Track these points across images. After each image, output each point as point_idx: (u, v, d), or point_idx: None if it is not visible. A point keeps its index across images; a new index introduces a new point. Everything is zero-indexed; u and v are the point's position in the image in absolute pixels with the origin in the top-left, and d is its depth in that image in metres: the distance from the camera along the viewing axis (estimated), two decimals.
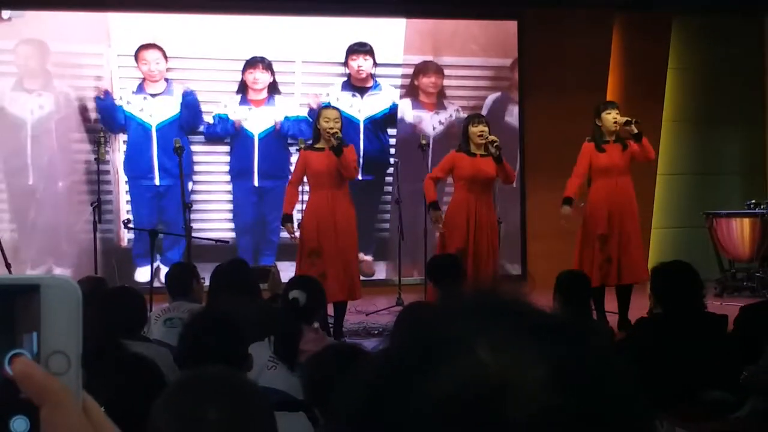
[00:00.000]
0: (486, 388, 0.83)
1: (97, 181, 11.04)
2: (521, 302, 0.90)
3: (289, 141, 11.84)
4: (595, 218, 9.05)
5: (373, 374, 0.88)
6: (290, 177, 9.25)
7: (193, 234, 9.89)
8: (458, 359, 0.84)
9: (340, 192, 8.80)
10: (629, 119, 9.03)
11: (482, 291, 0.92)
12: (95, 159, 10.97)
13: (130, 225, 10.61)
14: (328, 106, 9.31)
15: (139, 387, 3.06)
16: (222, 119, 11.80)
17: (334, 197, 8.75)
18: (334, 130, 8.65)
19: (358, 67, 12.03)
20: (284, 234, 11.75)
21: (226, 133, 11.79)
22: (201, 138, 11.73)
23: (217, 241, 10.92)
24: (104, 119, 11.45)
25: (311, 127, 11.46)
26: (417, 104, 12.26)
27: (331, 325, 8.74)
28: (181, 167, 9.90)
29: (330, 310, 8.86)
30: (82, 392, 0.86)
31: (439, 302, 0.93)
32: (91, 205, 10.31)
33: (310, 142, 9.12)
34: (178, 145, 10.00)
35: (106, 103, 11.50)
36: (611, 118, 9.05)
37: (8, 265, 9.20)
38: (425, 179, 9.21)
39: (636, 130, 9.02)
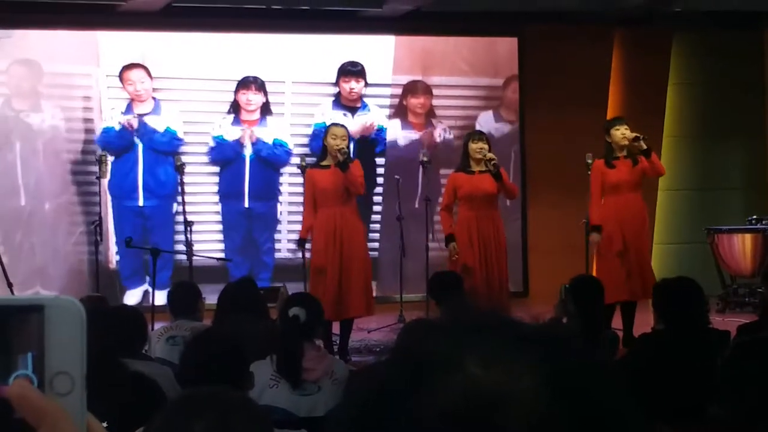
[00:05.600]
0: (479, 402, 0.83)
1: (99, 199, 11.04)
2: (504, 315, 0.91)
3: (263, 156, 11.81)
4: (609, 235, 9.08)
5: (366, 394, 0.88)
6: (304, 200, 9.19)
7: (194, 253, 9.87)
8: (449, 376, 0.85)
9: (347, 208, 8.85)
10: (638, 135, 9.06)
11: (466, 307, 0.92)
12: (96, 177, 10.94)
13: (132, 244, 10.50)
14: (336, 124, 9.32)
15: (140, 405, 3.05)
16: (222, 142, 11.71)
17: (342, 214, 8.79)
18: (341, 147, 8.70)
19: (351, 89, 12.03)
20: (279, 255, 11.76)
21: (229, 156, 11.69)
22: (187, 159, 11.59)
23: (219, 259, 10.91)
24: (110, 146, 11.37)
25: (288, 154, 11.49)
26: (406, 125, 12.26)
27: (335, 344, 8.73)
28: (182, 185, 9.89)
29: (336, 328, 8.86)
30: (86, 413, 0.86)
31: (430, 320, 0.94)
32: (93, 223, 10.29)
33: (314, 160, 9.17)
34: (179, 163, 9.98)
35: (117, 133, 11.42)
36: (620, 133, 9.11)
37: (10, 284, 9.16)
38: (440, 211, 9.32)
39: (645, 146, 9.06)
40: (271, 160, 11.74)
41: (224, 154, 11.73)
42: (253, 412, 2.27)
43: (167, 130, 11.55)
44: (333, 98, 12.06)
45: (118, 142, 11.44)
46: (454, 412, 0.83)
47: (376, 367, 0.91)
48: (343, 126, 9.18)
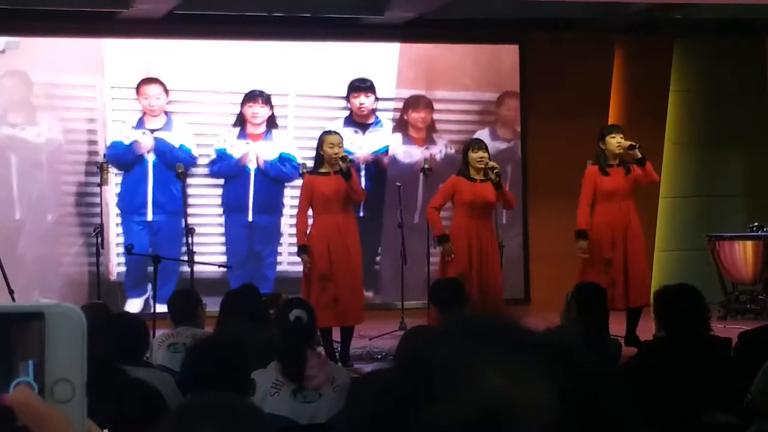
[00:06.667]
0: (497, 412, 0.83)
1: (100, 209, 11.02)
2: (517, 323, 0.91)
3: (271, 176, 11.78)
4: (599, 242, 9.08)
5: (378, 403, 0.88)
6: (299, 205, 9.15)
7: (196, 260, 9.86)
8: (464, 385, 0.85)
9: (348, 216, 8.88)
10: (633, 144, 9.06)
11: (478, 315, 0.92)
12: (98, 185, 10.94)
13: (132, 251, 10.49)
14: (330, 132, 9.30)
15: (140, 412, 3.06)
16: (223, 156, 11.67)
17: (345, 221, 8.81)
18: (342, 155, 8.71)
19: (360, 104, 12.01)
20: (279, 267, 11.73)
21: (231, 171, 11.67)
22: (194, 171, 11.55)
23: (220, 265, 10.91)
24: (118, 160, 11.35)
25: (295, 168, 11.46)
26: (407, 139, 12.24)
27: (337, 351, 8.73)
28: (184, 193, 9.89)
29: (336, 335, 8.87)
30: (87, 420, 0.86)
31: (439, 328, 0.94)
32: (94, 231, 10.28)
33: (312, 167, 9.18)
34: (180, 171, 9.97)
35: (126, 148, 11.41)
36: (615, 142, 9.10)
37: (11, 291, 9.15)
38: (428, 209, 9.30)
39: (640, 155, 9.06)
40: (280, 177, 11.70)
41: (225, 169, 11.69)
42: (259, 419, 2.27)
43: (182, 148, 11.52)
44: (347, 113, 11.98)
45: (126, 157, 11.43)
46: (471, 422, 0.83)
47: (386, 375, 0.91)
48: (337, 133, 9.18)
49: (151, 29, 11.46)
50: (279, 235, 11.83)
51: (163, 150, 11.46)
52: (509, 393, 0.84)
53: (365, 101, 12.03)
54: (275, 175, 11.75)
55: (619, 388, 0.88)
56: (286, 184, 11.81)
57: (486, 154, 9.07)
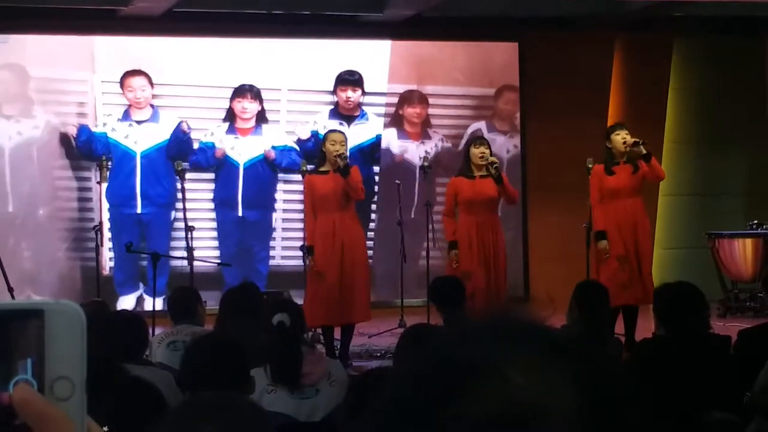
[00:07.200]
0: (520, 413, 0.83)
1: (100, 205, 11.02)
2: (539, 324, 0.90)
3: (283, 167, 11.80)
4: (610, 240, 9.05)
5: (397, 402, 0.87)
6: (304, 207, 9.18)
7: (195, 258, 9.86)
8: (489, 386, 0.84)
9: (346, 214, 8.86)
10: (638, 140, 9.06)
11: (500, 314, 0.92)
12: (97, 182, 10.93)
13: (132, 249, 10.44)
14: (334, 130, 9.35)
15: (139, 410, 3.06)
16: (205, 149, 11.68)
17: (342, 220, 8.80)
18: (341, 152, 8.71)
19: (347, 97, 12.02)
20: (273, 262, 11.73)
21: (209, 164, 11.69)
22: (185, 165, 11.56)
23: (219, 263, 10.91)
24: (83, 153, 11.35)
25: (300, 156, 11.46)
26: (402, 134, 12.25)
27: (336, 349, 8.74)
28: (183, 191, 9.88)
29: (337, 333, 8.88)
30: (86, 418, 0.86)
31: (456, 326, 0.93)
32: (93, 228, 10.28)
33: (313, 166, 9.19)
34: (180, 168, 9.97)
35: (82, 137, 11.37)
36: (620, 139, 9.10)
37: (11, 290, 9.15)
38: (442, 217, 9.34)
39: (645, 151, 9.06)
40: (292, 167, 11.63)
41: (203, 162, 11.68)
42: (259, 417, 2.27)
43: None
44: (332, 106, 12.05)
45: (89, 147, 11.37)
46: (494, 422, 0.83)
47: (408, 373, 0.90)
48: (341, 132, 9.20)
49: (149, 26, 11.45)
50: (271, 230, 11.82)
51: (186, 141, 11.52)
52: (531, 392, 0.83)
53: (352, 95, 12.05)
54: (287, 164, 11.73)
55: (636, 387, 0.88)
56: (279, 179, 11.82)
57: (487, 150, 9.11)
